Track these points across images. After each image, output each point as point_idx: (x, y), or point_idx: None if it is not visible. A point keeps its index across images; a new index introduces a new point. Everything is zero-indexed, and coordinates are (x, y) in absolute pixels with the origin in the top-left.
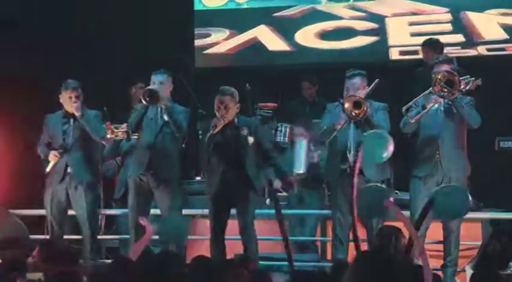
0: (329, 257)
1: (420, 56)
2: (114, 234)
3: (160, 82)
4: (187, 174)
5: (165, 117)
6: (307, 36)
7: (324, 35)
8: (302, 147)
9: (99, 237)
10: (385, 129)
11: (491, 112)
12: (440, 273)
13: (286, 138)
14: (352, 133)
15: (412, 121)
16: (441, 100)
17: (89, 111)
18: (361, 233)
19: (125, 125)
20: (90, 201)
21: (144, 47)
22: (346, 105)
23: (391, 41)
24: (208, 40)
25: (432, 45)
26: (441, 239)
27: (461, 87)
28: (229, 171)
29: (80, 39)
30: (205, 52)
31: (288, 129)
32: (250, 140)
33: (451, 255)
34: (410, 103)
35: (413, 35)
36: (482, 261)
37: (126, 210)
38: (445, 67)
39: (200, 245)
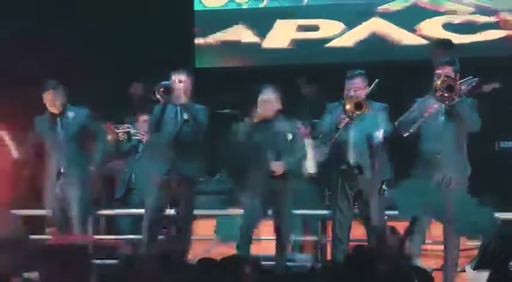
0: (329, 257)
1: None
2: (115, 235)
3: (179, 81)
4: None
5: (185, 116)
6: (433, 30)
7: (450, 29)
8: (308, 146)
9: (97, 237)
10: (386, 130)
11: (491, 112)
12: (440, 273)
13: None
14: (353, 134)
15: (406, 135)
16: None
17: (78, 109)
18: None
19: (125, 126)
20: (82, 200)
21: (143, 46)
22: (347, 106)
23: None
24: (317, 33)
25: (444, 46)
26: (441, 239)
27: (463, 88)
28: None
29: (80, 38)
30: (327, 45)
31: None
32: (289, 136)
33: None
34: (405, 114)
35: None
36: (483, 262)
37: (125, 211)
38: (447, 69)
39: (200, 245)
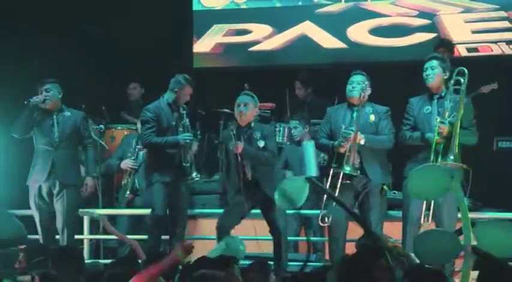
0: (327, 257)
1: (488, 52)
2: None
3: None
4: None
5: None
6: (360, 33)
7: (377, 32)
8: (311, 149)
9: (97, 237)
10: (389, 135)
11: (489, 112)
12: None
13: (285, 139)
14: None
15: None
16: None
17: (73, 111)
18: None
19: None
20: (71, 205)
21: (141, 46)
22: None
23: (453, 38)
24: (249, 37)
25: (448, 46)
26: None
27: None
28: (244, 173)
29: (79, 39)
30: (250, 49)
31: (286, 130)
32: (261, 143)
33: None
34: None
35: (474, 32)
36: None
37: (124, 210)
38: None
39: (200, 245)
